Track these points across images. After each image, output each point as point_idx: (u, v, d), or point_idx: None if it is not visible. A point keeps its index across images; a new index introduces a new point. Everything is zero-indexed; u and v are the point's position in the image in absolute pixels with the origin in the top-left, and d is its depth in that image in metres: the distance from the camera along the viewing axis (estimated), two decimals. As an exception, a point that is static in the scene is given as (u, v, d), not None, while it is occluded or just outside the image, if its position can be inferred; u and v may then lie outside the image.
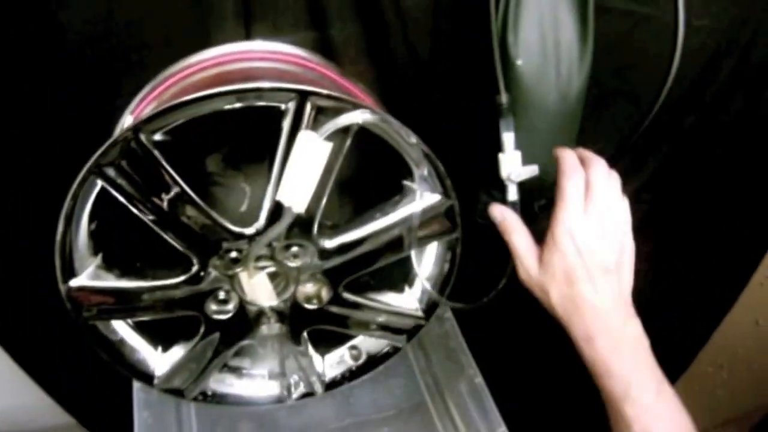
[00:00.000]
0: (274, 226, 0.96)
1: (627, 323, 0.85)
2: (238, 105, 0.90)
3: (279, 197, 0.93)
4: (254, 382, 1.20)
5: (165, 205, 0.93)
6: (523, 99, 1.01)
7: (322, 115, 0.91)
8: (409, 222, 1.02)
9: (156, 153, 0.90)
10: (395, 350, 1.20)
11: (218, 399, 1.18)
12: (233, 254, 0.99)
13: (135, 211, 0.94)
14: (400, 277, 1.17)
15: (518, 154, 1.00)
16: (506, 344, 1.45)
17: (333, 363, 1.21)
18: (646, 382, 0.82)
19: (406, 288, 1.18)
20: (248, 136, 1.04)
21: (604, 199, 0.87)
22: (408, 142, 0.96)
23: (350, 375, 1.22)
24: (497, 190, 1.07)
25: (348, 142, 0.93)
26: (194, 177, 0.94)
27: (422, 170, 0.99)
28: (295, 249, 1.01)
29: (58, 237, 0.94)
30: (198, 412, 1.28)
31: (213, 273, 1.01)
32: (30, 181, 1.11)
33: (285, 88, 0.88)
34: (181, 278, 1.01)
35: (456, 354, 1.25)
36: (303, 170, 0.91)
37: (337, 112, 0.91)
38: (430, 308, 1.16)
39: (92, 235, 0.99)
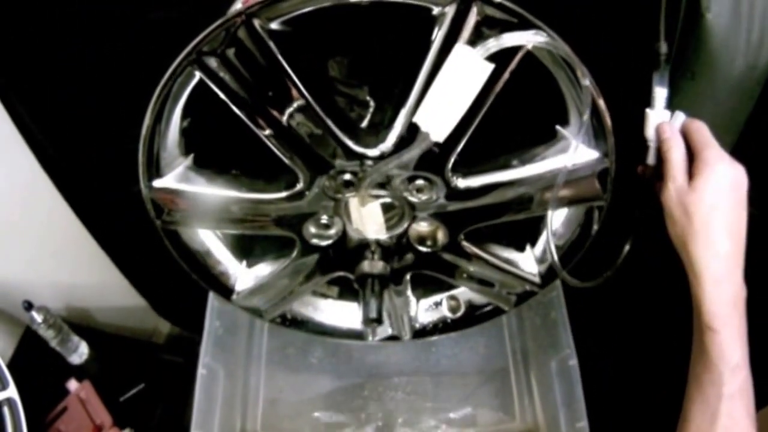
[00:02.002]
0: (403, 152, 0.77)
1: (743, 285, 0.78)
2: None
3: (416, 119, 0.73)
4: (339, 313, 1.04)
5: (275, 109, 0.75)
6: (705, 59, 0.81)
7: (486, 28, 0.69)
8: (556, 176, 0.81)
9: (271, 44, 0.71)
10: (498, 312, 1.03)
11: (297, 324, 1.04)
12: (347, 176, 0.81)
13: (238, 112, 0.75)
14: (522, 232, 0.97)
15: (676, 116, 0.79)
16: (610, 333, 1.25)
17: (428, 309, 1.04)
18: (744, 347, 0.77)
19: (528, 247, 0.98)
20: (381, 42, 0.82)
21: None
22: (580, 82, 0.73)
23: (443, 327, 1.05)
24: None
25: (512, 67, 0.71)
26: (312, 81, 0.74)
27: (584, 117, 0.76)
28: (420, 182, 0.82)
29: (144, 131, 0.77)
30: (271, 331, 1.17)
31: (319, 193, 0.84)
32: (122, 69, 0.93)
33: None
34: (283, 194, 0.84)
35: (555, 328, 1.07)
36: (452, 92, 0.71)
37: (505, 28, 0.69)
38: (548, 275, 0.97)
39: (184, 132, 0.81)
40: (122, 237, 1.22)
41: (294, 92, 0.74)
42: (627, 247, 0.84)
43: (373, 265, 0.87)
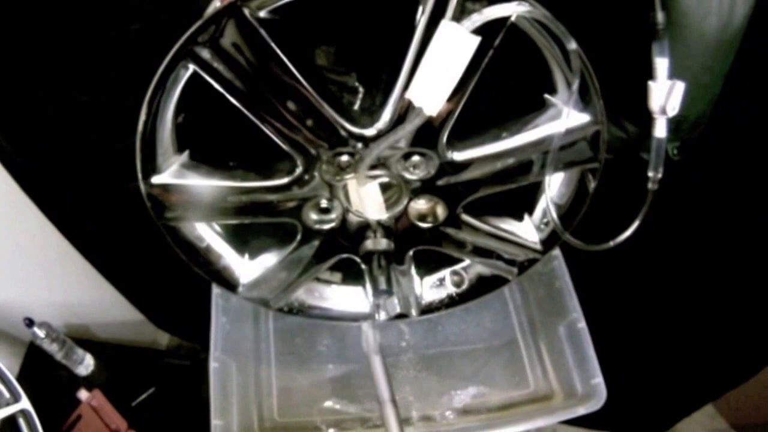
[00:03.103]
0: (398, 128, 0.78)
1: None
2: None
3: (409, 95, 0.75)
4: (344, 297, 1.05)
5: (270, 95, 0.76)
6: (678, 20, 0.80)
7: (470, 2, 0.71)
8: (549, 143, 0.83)
9: (263, 32, 0.72)
10: (502, 282, 1.04)
11: (304, 311, 1.05)
12: (344, 158, 0.83)
13: (234, 101, 0.77)
14: (519, 202, 0.99)
15: (675, 85, 0.79)
16: (615, 293, 1.27)
17: (432, 286, 1.06)
18: None
19: (526, 216, 1.00)
20: (367, 27, 0.84)
21: None
22: (567, 47, 0.75)
23: (449, 302, 1.06)
24: (631, 121, 0.88)
25: (498, 40, 0.73)
26: (304, 67, 0.76)
27: (574, 84, 0.78)
28: (416, 159, 0.84)
29: (140, 128, 0.78)
30: (276, 322, 1.18)
31: (317, 178, 0.85)
32: (111, 65, 0.93)
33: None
34: (282, 181, 0.86)
35: (560, 295, 1.09)
36: (441, 67, 0.72)
37: (487, 1, 0.71)
38: (549, 241, 0.99)
39: (179, 128, 0.82)
40: (113, 253, 1.23)
41: (288, 78, 0.75)
42: (637, 221, 0.85)
43: (377, 242, 0.89)
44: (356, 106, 0.89)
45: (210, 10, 0.75)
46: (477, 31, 0.71)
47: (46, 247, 1.17)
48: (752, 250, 1.17)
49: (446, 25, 0.70)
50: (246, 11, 0.70)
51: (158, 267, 1.13)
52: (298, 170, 0.84)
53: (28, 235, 1.12)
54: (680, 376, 1.33)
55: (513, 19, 0.72)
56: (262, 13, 0.72)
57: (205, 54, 0.73)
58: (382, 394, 0.83)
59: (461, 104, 0.77)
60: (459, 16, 0.71)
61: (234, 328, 1.08)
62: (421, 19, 0.72)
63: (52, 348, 1.21)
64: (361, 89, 0.89)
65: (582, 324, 1.06)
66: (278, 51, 0.72)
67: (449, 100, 0.75)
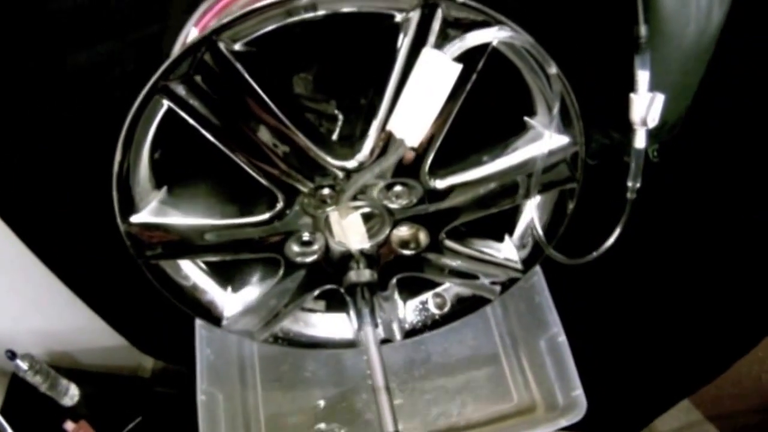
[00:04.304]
0: (380, 161, 0.72)
1: None
2: (347, 9, 0.63)
3: (390, 127, 0.69)
4: (329, 325, 0.98)
5: (247, 130, 0.69)
6: (659, 30, 0.75)
7: (451, 29, 0.65)
8: (531, 166, 0.78)
9: (238, 65, 0.65)
10: (484, 302, 0.99)
11: (289, 341, 0.97)
12: (326, 191, 0.76)
13: (210, 137, 0.69)
14: (499, 223, 0.93)
15: (655, 97, 0.75)
16: (590, 294, 1.22)
17: (415, 310, 1.00)
18: None
19: (506, 237, 0.94)
20: (344, 54, 0.77)
21: None
22: (547, 72, 0.70)
23: (432, 324, 1.00)
24: (617, 131, 0.83)
25: (480, 65, 0.67)
26: (281, 99, 0.69)
27: (555, 107, 0.73)
28: (398, 188, 0.77)
29: (116, 167, 0.70)
30: (261, 350, 1.11)
31: (299, 212, 0.78)
32: (85, 106, 0.86)
33: (412, -12, 0.61)
34: (262, 216, 0.78)
35: (540, 309, 1.04)
36: (423, 97, 0.66)
37: (470, 27, 0.65)
38: (529, 259, 0.94)
39: (156, 165, 0.75)
40: (94, 279, 1.14)
41: (265, 113, 0.68)
42: (617, 230, 0.81)
43: (360, 273, 0.82)
44: (335, 134, 0.82)
45: (178, 46, 0.69)
46: (457, 58, 0.65)
47: (26, 274, 1.09)
48: (723, 246, 1.14)
49: (428, 52, 0.64)
50: (221, 45, 0.63)
51: (140, 292, 1.05)
52: (279, 205, 0.76)
53: (8, 263, 1.04)
54: (656, 374, 1.30)
55: (495, 44, 0.67)
56: (237, 46, 0.66)
57: (180, 90, 0.65)
58: (376, 381, 0.76)
59: (443, 132, 0.71)
60: (440, 42, 0.65)
61: (219, 359, 1.01)
62: (402, 46, 0.66)
63: (36, 380, 1.13)
64: (340, 117, 0.82)
65: (562, 338, 1.01)
66: (255, 86, 0.65)
67: (431, 128, 0.69)
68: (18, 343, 1.14)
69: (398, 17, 0.65)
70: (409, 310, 0.99)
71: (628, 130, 0.80)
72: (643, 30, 0.72)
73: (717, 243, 1.13)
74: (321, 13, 0.64)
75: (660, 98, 0.74)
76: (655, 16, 0.74)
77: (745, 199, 1.07)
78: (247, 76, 0.65)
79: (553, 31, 0.70)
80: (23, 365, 1.10)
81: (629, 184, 0.80)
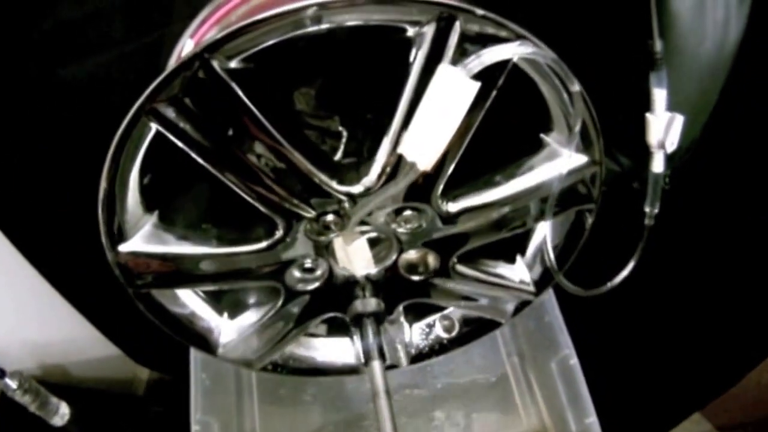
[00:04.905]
0: (389, 186, 0.64)
1: None
2: (350, 23, 0.55)
3: (402, 150, 0.61)
4: (331, 350, 0.90)
5: (244, 156, 0.61)
6: (674, 47, 0.69)
7: (469, 44, 0.57)
8: (548, 186, 0.70)
9: (234, 85, 0.57)
10: (494, 325, 0.91)
11: (289, 369, 0.89)
12: (330, 217, 0.68)
13: (203, 162, 0.61)
14: (509, 243, 0.85)
15: (674, 119, 0.68)
16: (603, 322, 1.15)
17: (422, 333, 0.92)
18: None
19: (518, 257, 0.86)
20: (349, 69, 0.69)
21: None
22: (569, 89, 0.62)
23: (440, 348, 0.92)
24: (626, 155, 0.78)
25: (500, 82, 0.59)
26: (282, 120, 0.61)
27: (576, 126, 0.65)
28: (407, 213, 0.69)
29: (101, 195, 0.62)
30: (259, 374, 1.01)
31: (300, 238, 0.70)
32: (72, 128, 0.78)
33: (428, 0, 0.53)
34: (261, 244, 0.70)
35: (550, 329, 0.97)
36: (438, 117, 0.58)
37: (487, 42, 0.58)
38: (542, 281, 0.86)
39: (145, 190, 0.67)
40: (89, 288, 1.06)
41: (264, 135, 0.60)
42: (634, 260, 0.75)
43: (366, 303, 0.74)
44: (339, 152, 0.74)
45: (174, 59, 0.61)
46: (475, 75, 0.57)
47: (18, 285, 1.03)
48: (733, 262, 1.07)
49: (444, 69, 0.56)
50: (215, 63, 0.55)
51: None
52: (278, 233, 0.68)
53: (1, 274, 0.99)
54: (667, 388, 1.23)
55: (515, 60, 0.59)
56: (233, 63, 0.58)
57: (169, 112, 0.57)
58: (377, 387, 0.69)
59: (459, 154, 0.64)
60: (457, 58, 0.57)
61: (215, 384, 0.92)
62: (415, 62, 0.58)
63: (25, 400, 1.05)
64: (345, 133, 0.74)
65: (574, 360, 0.93)
66: (253, 108, 0.57)
67: (446, 151, 0.61)
68: (10, 356, 1.08)
69: (410, 31, 0.57)
70: (415, 334, 0.91)
71: (638, 154, 0.74)
72: (658, 45, 0.66)
73: (726, 258, 1.07)
74: (325, 26, 0.56)
75: (679, 120, 0.68)
76: (670, 31, 0.68)
77: (753, 217, 1.01)
78: (244, 97, 0.57)
79: (556, 48, 0.63)
80: (12, 384, 1.02)
81: (646, 209, 0.74)
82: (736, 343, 1.15)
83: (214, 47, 0.54)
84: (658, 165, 0.71)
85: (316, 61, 0.66)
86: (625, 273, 0.77)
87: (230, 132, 0.60)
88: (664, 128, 0.69)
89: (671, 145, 0.70)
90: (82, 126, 0.81)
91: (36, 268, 0.98)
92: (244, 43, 0.56)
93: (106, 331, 1.17)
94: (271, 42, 0.57)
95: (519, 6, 0.61)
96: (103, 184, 0.62)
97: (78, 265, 1.01)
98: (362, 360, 0.72)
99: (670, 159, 0.74)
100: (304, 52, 0.62)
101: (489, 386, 1.03)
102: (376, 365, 0.69)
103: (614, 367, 1.13)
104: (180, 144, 0.59)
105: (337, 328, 0.89)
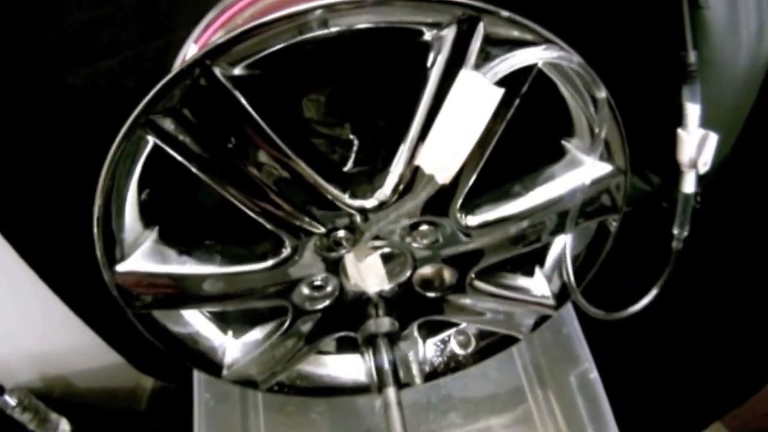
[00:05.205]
0: (404, 200, 0.59)
1: None
2: (365, 25, 0.50)
3: (420, 162, 0.55)
4: (341, 368, 0.85)
5: (249, 171, 0.55)
6: (707, 57, 0.65)
7: (492, 48, 0.51)
8: (572, 197, 0.65)
9: (237, 94, 0.51)
10: (512, 340, 0.85)
11: (296, 389, 0.83)
12: (341, 233, 0.62)
13: (204, 177, 0.56)
14: (528, 254, 0.79)
15: (708, 137, 0.64)
16: (625, 341, 1.10)
17: (436, 349, 0.86)
18: None
19: (537, 269, 0.80)
20: (361, 73, 0.64)
21: None
22: (595, 95, 0.57)
23: (455, 365, 0.86)
24: (656, 172, 0.73)
25: (524, 89, 0.54)
26: (290, 131, 0.56)
27: (601, 134, 0.60)
28: (424, 228, 0.64)
29: (97, 212, 0.57)
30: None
31: (309, 255, 0.64)
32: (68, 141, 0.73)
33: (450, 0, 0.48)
34: (267, 263, 0.65)
35: (569, 341, 0.91)
36: (458, 126, 0.53)
37: (512, 46, 0.52)
38: (561, 294, 0.80)
39: (144, 206, 0.61)
40: (91, 295, 1.00)
41: (270, 147, 0.55)
42: (658, 285, 0.70)
43: (379, 323, 0.68)
44: (350, 162, 0.69)
45: (178, 63, 0.55)
46: (499, 81, 0.52)
47: (16, 294, 0.98)
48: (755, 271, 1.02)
49: (466, 75, 0.51)
50: (217, 71, 0.50)
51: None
52: (286, 251, 0.63)
53: (3, 283, 0.94)
54: (687, 399, 1.19)
55: (540, 65, 0.54)
56: (237, 70, 0.52)
57: (168, 124, 0.52)
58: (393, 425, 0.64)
59: (480, 165, 0.58)
60: (480, 63, 0.52)
61: (219, 404, 0.87)
62: (434, 67, 0.53)
63: (24, 418, 1.00)
64: (356, 141, 0.69)
65: (594, 374, 0.88)
66: (258, 119, 0.52)
67: (467, 162, 0.56)
68: (10, 367, 1.04)
69: (427, 34, 0.52)
70: (429, 350, 0.85)
71: (667, 172, 0.69)
72: (692, 56, 0.61)
73: (746, 272, 1.02)
74: (335, 29, 0.51)
75: (713, 138, 0.64)
76: (704, 42, 0.64)
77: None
78: (248, 106, 0.52)
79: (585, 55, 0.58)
80: (11, 401, 0.98)
81: (675, 232, 0.70)
82: (758, 351, 1.10)
83: (216, 53, 0.49)
84: (689, 185, 0.67)
85: (326, 65, 0.60)
86: (649, 298, 0.73)
87: (233, 144, 0.54)
88: (697, 146, 0.65)
89: (704, 165, 0.66)
90: (88, 130, 0.76)
91: (37, 273, 0.92)
92: (249, 47, 0.51)
93: (108, 339, 1.11)
94: (278, 46, 0.51)
95: (543, 10, 0.56)
96: (98, 201, 0.56)
97: (80, 271, 0.97)
98: (375, 382, 0.67)
99: (700, 177, 0.70)
100: (314, 56, 0.57)
101: (506, 402, 0.97)
102: (391, 393, 0.63)
103: (630, 378, 1.07)
104: (179, 158, 0.54)
105: (347, 344, 0.84)
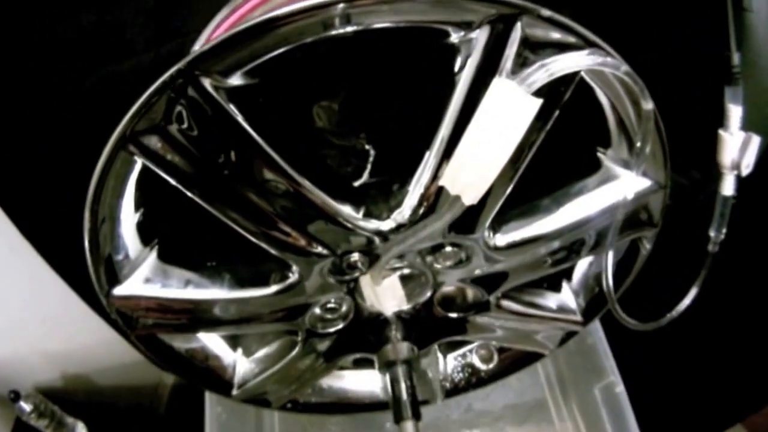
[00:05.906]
0: (426, 222, 0.50)
1: None
2: (384, 24, 0.41)
3: (445, 182, 0.46)
4: (359, 384, 0.77)
5: (248, 192, 0.47)
6: (751, 60, 0.59)
7: (530, 52, 0.42)
8: (608, 214, 0.56)
9: (231, 108, 0.43)
10: (537, 356, 0.77)
11: (310, 407, 0.76)
12: (354, 256, 0.53)
13: (198, 200, 0.48)
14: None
15: (751, 139, 0.57)
16: (648, 352, 1.01)
17: (457, 364, 0.78)
18: None
19: (564, 283, 0.71)
20: (378, 78, 0.54)
21: None
22: (640, 106, 0.48)
23: (477, 381, 0.78)
24: (697, 168, 0.67)
25: (565, 98, 0.45)
26: (290, 152, 0.47)
27: (645, 149, 0.51)
28: (448, 249, 0.55)
29: (87, 236, 0.49)
30: None
31: (320, 280, 0.56)
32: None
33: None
34: (272, 288, 0.56)
35: (594, 353, 0.82)
36: (490, 141, 0.44)
37: (553, 50, 0.43)
38: (589, 309, 0.71)
39: (141, 226, 0.53)
40: None
41: (270, 168, 0.46)
42: (695, 290, 0.62)
43: (398, 349, 0.60)
44: (366, 174, 0.60)
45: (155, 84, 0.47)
46: (537, 91, 0.43)
47: (38, 294, 0.92)
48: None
49: (501, 84, 0.42)
50: (207, 82, 0.41)
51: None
52: (293, 276, 0.55)
53: (20, 282, 0.88)
54: (708, 403, 1.11)
55: (583, 73, 0.44)
56: (234, 80, 0.44)
57: (154, 142, 0.44)
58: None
59: (512, 183, 0.49)
60: (516, 70, 0.42)
61: (233, 417, 0.80)
62: (463, 73, 0.44)
63: (40, 424, 0.95)
64: (372, 152, 0.60)
65: (620, 388, 0.79)
66: (258, 138, 0.43)
67: (498, 179, 0.47)
68: (31, 367, 1.00)
69: (453, 36, 0.43)
70: (450, 365, 0.77)
71: (708, 169, 0.61)
72: (736, 58, 0.55)
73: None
74: (351, 29, 0.42)
75: (756, 141, 0.56)
76: (747, 45, 0.59)
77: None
78: (244, 123, 0.43)
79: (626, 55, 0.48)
80: (26, 407, 0.92)
81: (711, 234, 0.63)
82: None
83: (203, 59, 0.40)
84: (728, 187, 0.59)
85: (341, 69, 0.51)
86: (686, 303, 0.64)
87: (227, 164, 0.46)
88: (739, 148, 0.57)
89: (746, 168, 0.58)
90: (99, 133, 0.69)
91: (55, 271, 0.86)
92: (254, 50, 0.42)
93: (128, 337, 1.07)
94: (289, 47, 0.43)
95: (579, 10, 0.47)
96: (87, 224, 0.49)
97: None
98: (392, 411, 0.59)
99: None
100: (328, 58, 0.48)
101: (528, 414, 0.89)
102: (409, 427, 0.55)
103: (652, 387, 0.99)
104: (170, 180, 0.46)
105: (365, 360, 0.76)
